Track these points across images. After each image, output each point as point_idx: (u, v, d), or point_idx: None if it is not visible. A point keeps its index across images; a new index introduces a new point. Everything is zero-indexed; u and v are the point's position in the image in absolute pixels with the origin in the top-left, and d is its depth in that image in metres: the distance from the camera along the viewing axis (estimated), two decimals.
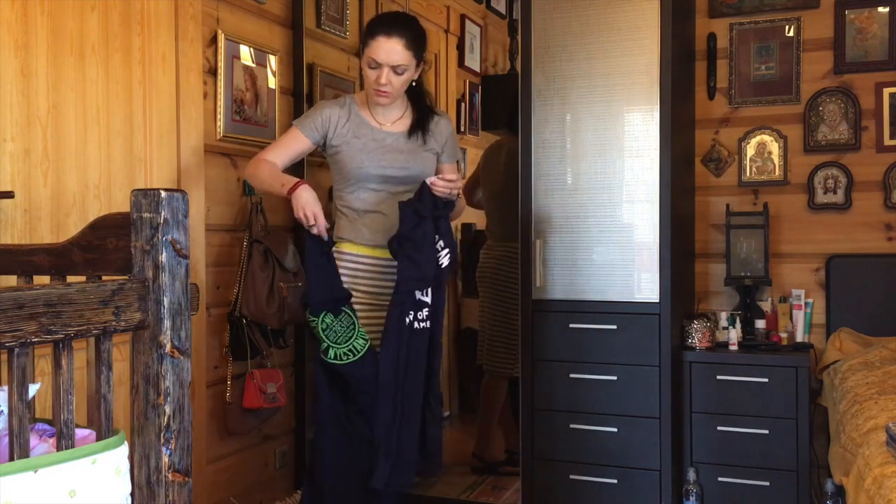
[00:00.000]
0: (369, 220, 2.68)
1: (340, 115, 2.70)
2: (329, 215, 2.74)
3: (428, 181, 2.53)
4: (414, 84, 2.73)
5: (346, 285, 2.65)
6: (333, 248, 2.72)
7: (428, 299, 2.56)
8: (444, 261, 2.57)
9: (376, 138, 2.69)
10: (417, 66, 2.67)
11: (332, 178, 2.78)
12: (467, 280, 4.55)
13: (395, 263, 2.62)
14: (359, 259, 2.68)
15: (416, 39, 2.63)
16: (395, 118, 2.74)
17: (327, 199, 2.96)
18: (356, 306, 2.63)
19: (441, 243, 2.56)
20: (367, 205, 2.68)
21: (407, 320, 2.52)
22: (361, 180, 2.67)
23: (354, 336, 2.55)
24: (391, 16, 2.75)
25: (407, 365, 2.54)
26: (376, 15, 3.33)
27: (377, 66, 2.59)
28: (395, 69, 2.59)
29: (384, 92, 2.62)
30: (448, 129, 2.83)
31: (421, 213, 2.51)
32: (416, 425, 2.60)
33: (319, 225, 2.50)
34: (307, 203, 2.49)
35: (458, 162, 2.97)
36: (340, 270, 2.67)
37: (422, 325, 2.56)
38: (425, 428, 2.63)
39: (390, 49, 2.56)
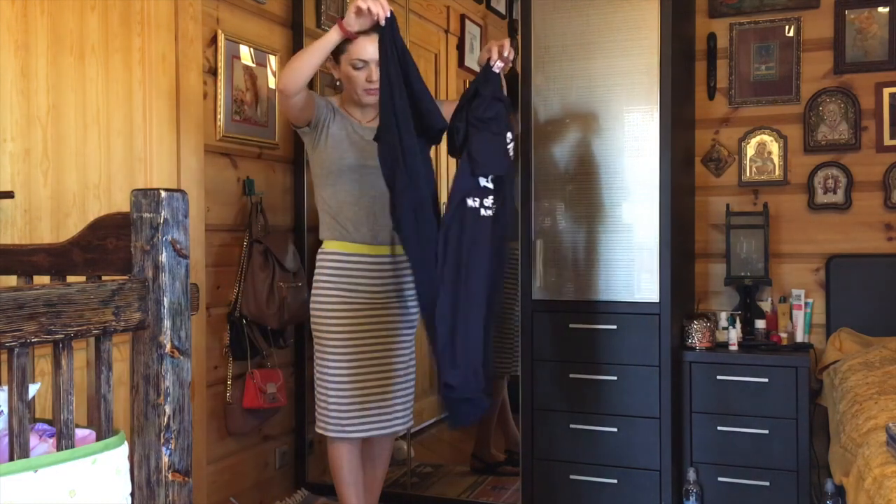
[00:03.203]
0: (352, 213, 2.68)
1: (329, 104, 2.75)
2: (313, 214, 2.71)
3: (493, 65, 2.47)
4: None
5: (331, 286, 2.67)
6: (319, 250, 2.75)
7: (491, 185, 2.43)
8: (511, 151, 2.51)
9: (357, 131, 2.73)
10: None
11: (313, 176, 2.79)
12: None
13: (382, 260, 2.67)
14: (344, 257, 2.68)
15: None
16: (372, 117, 2.76)
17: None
18: (343, 307, 2.64)
19: (509, 135, 2.49)
20: (350, 197, 2.69)
21: (469, 203, 2.40)
22: (343, 171, 2.68)
23: None
24: None
25: (471, 251, 2.38)
26: None
27: (364, 65, 2.63)
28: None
29: (375, 89, 2.65)
30: None
31: (497, 96, 2.46)
32: (479, 330, 2.40)
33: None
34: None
35: None
36: (326, 271, 2.69)
37: (487, 212, 2.42)
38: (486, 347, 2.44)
39: (374, 46, 2.59)
